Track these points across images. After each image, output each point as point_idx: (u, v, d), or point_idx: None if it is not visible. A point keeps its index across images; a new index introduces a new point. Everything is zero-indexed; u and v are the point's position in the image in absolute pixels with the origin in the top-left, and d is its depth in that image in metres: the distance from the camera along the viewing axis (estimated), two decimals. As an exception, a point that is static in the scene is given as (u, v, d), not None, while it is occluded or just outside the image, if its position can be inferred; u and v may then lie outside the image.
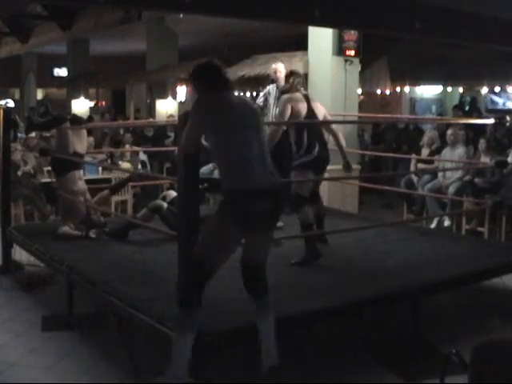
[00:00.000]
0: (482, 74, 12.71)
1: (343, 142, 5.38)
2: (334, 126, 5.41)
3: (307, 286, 4.25)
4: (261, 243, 3.38)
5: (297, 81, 5.22)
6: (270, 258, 4.87)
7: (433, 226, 7.95)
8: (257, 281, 3.36)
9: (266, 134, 4.39)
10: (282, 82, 6.01)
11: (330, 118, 5.65)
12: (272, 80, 6.37)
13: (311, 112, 5.12)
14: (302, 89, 5.23)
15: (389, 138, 11.25)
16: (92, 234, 5.67)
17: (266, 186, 3.23)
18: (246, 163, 3.24)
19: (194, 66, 3.50)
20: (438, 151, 8.38)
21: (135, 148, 9.98)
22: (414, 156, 8.51)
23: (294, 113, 5.04)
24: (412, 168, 8.53)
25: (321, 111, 5.27)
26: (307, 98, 5.16)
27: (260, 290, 3.37)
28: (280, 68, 6.24)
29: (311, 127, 5.08)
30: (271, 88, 6.35)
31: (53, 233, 5.70)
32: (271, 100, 6.28)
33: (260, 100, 6.40)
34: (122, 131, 11.45)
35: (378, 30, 6.56)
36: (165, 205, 5.62)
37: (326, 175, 5.71)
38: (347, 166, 5.35)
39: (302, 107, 5.07)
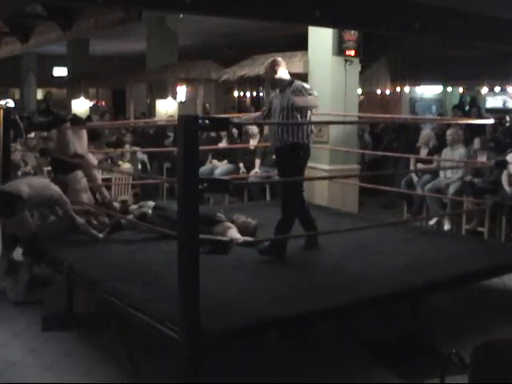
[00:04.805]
0: (482, 73, 12.72)
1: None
2: None
3: (307, 286, 4.25)
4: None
5: None
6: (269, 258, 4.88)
7: (432, 222, 7.96)
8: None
9: None
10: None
11: None
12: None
13: None
14: None
15: (388, 138, 11.23)
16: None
17: None
18: None
19: None
20: (437, 150, 8.38)
21: (135, 148, 9.97)
22: (412, 156, 8.51)
23: None
24: (412, 168, 8.53)
25: None
26: None
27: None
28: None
29: None
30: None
31: (52, 233, 5.69)
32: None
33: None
34: (123, 131, 11.34)
35: (377, 30, 6.57)
36: (149, 211, 5.58)
37: (326, 175, 5.67)
38: None
39: None
